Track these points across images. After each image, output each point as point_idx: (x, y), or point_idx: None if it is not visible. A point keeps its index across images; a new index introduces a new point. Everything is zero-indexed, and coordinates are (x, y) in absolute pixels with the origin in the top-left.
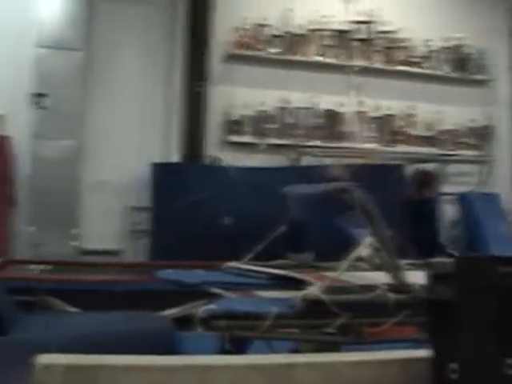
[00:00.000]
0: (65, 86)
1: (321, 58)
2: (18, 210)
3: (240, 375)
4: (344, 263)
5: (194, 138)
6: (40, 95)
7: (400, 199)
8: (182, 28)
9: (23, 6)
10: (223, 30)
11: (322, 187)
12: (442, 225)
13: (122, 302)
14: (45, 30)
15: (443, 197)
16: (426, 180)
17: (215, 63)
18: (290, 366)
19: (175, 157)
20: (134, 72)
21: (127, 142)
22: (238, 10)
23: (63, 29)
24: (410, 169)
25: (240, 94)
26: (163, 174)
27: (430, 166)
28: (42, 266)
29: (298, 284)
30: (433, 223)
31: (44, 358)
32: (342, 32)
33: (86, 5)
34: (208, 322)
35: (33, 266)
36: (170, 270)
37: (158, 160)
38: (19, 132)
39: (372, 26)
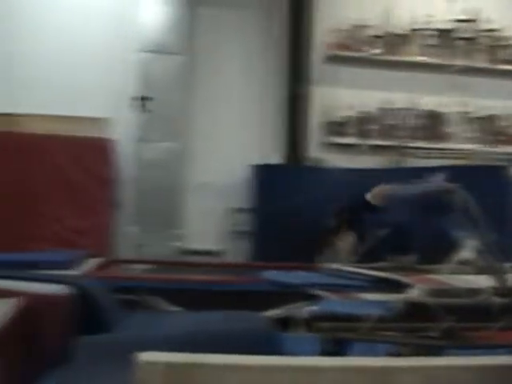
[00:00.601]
0: (167, 89)
1: (423, 58)
2: (123, 211)
3: (341, 377)
4: (447, 266)
5: (295, 140)
6: (144, 99)
7: (506, 200)
8: (283, 30)
9: (127, 13)
10: (323, 31)
11: (424, 188)
12: None
13: (224, 301)
14: (148, 35)
15: None
16: None
17: (316, 64)
18: (391, 369)
19: (277, 158)
20: (235, 74)
21: (229, 144)
22: (338, 10)
23: (165, 34)
24: None
25: (341, 95)
26: (265, 175)
27: None
28: (144, 266)
29: (400, 286)
30: None
31: (145, 356)
32: (444, 31)
33: (188, 10)
34: (310, 323)
35: (136, 266)
36: (273, 271)
37: (260, 162)
38: (124, 135)
39: (475, 24)
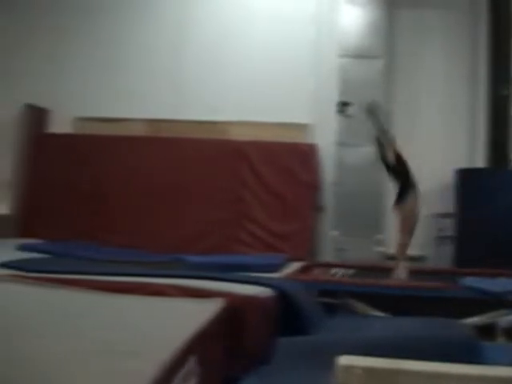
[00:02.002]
0: (367, 93)
1: None
2: (325, 215)
3: None
4: None
5: (499, 143)
6: (344, 104)
7: None
8: (485, 30)
9: (325, 18)
10: None
11: None
12: None
13: (424, 307)
14: (346, 39)
15: None
16: None
17: None
18: None
19: (480, 162)
20: (436, 76)
21: (431, 147)
22: None
23: (364, 37)
24: None
25: None
26: (468, 179)
27: None
28: (345, 270)
29: None
30: None
31: (344, 360)
32: None
33: (387, 12)
34: (510, 332)
35: (336, 270)
36: (473, 278)
37: (463, 165)
38: (325, 140)
39: None
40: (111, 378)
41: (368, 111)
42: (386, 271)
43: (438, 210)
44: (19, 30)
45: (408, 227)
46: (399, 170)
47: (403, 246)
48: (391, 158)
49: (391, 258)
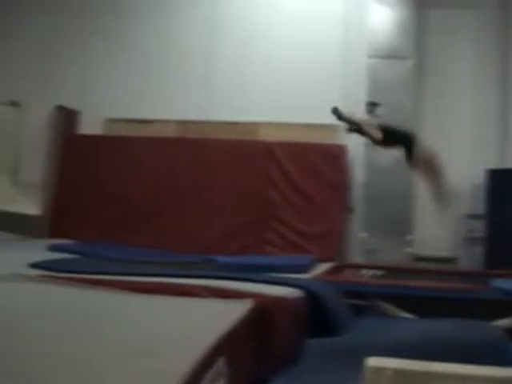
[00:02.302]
0: (396, 94)
1: None
2: (354, 216)
3: None
4: None
5: None
6: (373, 104)
7: None
8: None
9: (354, 18)
10: None
11: None
12: None
13: (454, 309)
14: (375, 39)
15: None
16: None
17: None
18: None
19: (511, 162)
20: (466, 76)
21: (461, 148)
22: None
23: (393, 37)
24: None
25: None
26: (499, 180)
27: None
28: (374, 271)
29: None
30: None
31: (374, 361)
32: None
33: (416, 12)
34: None
35: (365, 271)
36: (504, 279)
37: (493, 166)
38: (354, 140)
39: None
40: (138, 378)
41: (338, 117)
42: (416, 272)
43: (469, 210)
44: (50, 33)
45: (432, 171)
46: (393, 137)
47: (438, 189)
48: (378, 135)
49: (421, 259)
